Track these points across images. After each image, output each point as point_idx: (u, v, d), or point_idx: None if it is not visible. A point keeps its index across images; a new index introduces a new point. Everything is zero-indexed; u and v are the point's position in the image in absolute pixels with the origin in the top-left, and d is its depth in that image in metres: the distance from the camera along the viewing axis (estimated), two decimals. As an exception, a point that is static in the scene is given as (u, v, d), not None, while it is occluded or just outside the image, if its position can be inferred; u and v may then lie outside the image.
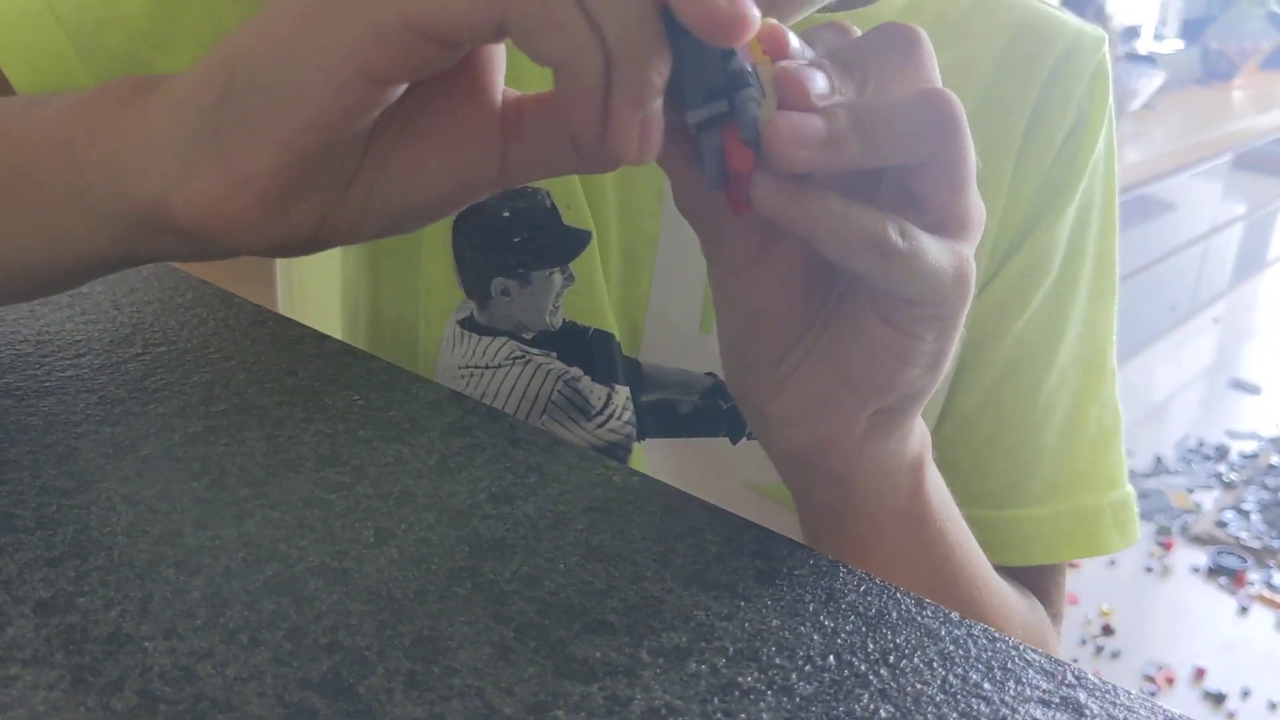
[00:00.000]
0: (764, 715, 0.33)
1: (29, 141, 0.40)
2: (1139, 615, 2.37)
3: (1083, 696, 0.35)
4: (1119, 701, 0.35)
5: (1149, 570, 2.52)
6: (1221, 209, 3.58)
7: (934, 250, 0.37)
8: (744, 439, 0.65)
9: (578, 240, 0.62)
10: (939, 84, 0.39)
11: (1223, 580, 2.49)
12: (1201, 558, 2.57)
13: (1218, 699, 2.15)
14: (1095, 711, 0.34)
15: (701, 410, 0.65)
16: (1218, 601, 2.43)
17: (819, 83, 0.36)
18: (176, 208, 0.36)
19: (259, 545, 0.39)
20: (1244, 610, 2.40)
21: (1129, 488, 0.68)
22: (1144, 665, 2.22)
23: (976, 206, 0.39)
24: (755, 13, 0.33)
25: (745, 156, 0.36)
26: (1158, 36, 3.55)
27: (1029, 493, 0.65)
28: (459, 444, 0.46)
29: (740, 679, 0.34)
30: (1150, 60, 3.11)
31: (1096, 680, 0.35)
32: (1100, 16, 2.90)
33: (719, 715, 0.33)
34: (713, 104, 0.35)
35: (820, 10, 0.49)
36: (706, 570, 0.39)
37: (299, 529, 0.40)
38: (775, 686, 0.34)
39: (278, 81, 0.34)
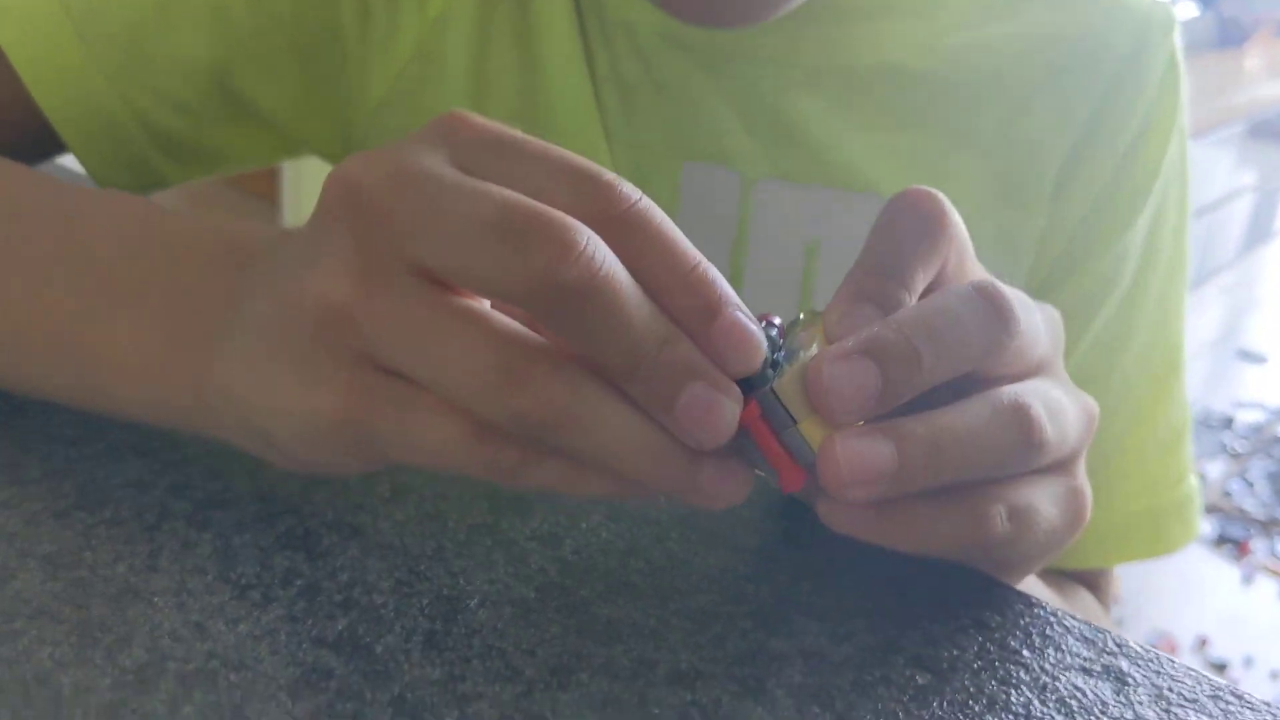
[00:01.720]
0: (795, 680, 0.32)
1: (106, 381, 0.38)
2: (1143, 583, 2.36)
3: (1125, 664, 0.34)
4: (1163, 670, 0.33)
5: (1153, 539, 2.51)
6: (1232, 178, 3.55)
7: (1046, 511, 0.34)
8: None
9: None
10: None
11: (1227, 550, 2.48)
12: (1206, 527, 2.56)
13: (1220, 668, 2.15)
14: (1138, 680, 0.33)
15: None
16: (1222, 571, 2.43)
17: (869, 378, 0.30)
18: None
19: (271, 499, 0.37)
20: (1248, 580, 2.40)
21: (1193, 479, 0.65)
22: (1148, 633, 2.22)
23: (1074, 437, 0.35)
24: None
25: (751, 412, 0.31)
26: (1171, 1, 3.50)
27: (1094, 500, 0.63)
28: (476, 399, 0.45)
29: (770, 643, 0.33)
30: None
31: (1139, 647, 0.34)
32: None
33: (749, 680, 0.32)
34: None
35: None
36: (733, 531, 0.38)
37: (313, 483, 0.38)
38: (806, 651, 0.33)
39: (309, 455, 0.34)
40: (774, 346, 0.32)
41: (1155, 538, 0.64)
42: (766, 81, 0.57)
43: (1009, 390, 0.33)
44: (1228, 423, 2.99)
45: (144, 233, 0.39)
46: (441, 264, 0.30)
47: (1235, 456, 2.84)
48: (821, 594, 0.35)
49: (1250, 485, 2.70)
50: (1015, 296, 0.33)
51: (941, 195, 0.35)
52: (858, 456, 0.30)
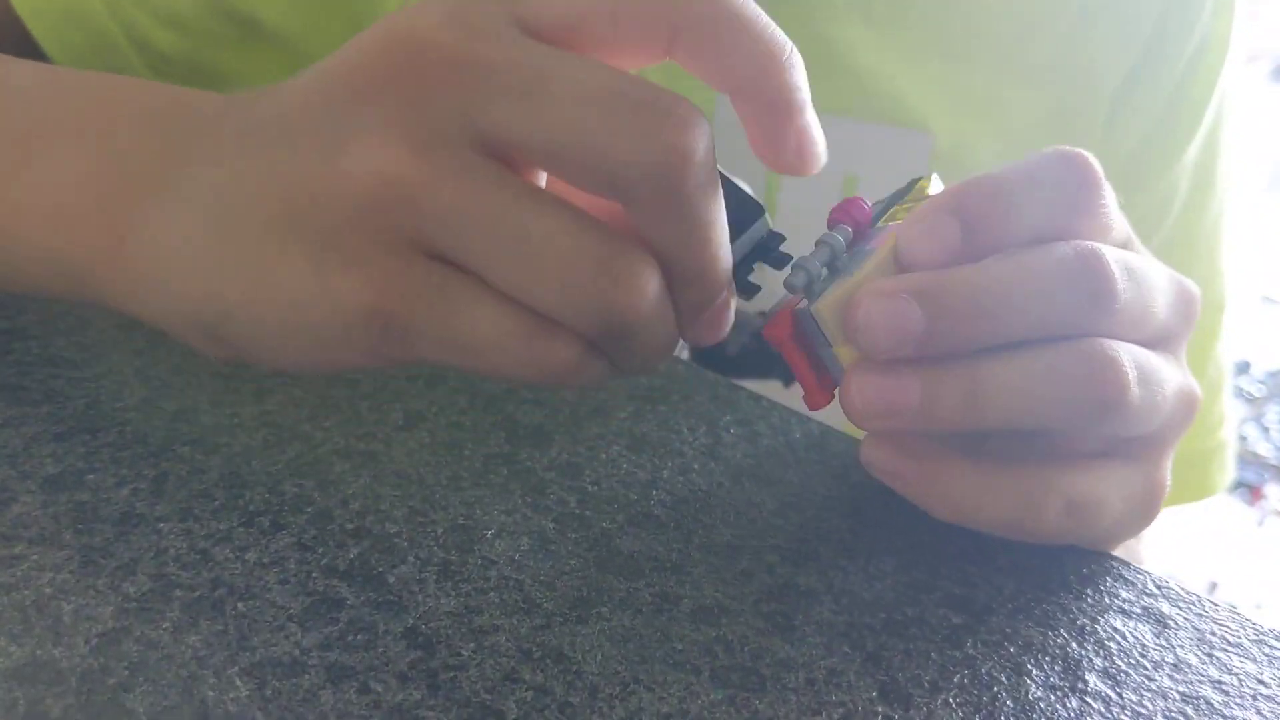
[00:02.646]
0: (825, 618, 0.31)
1: (11, 243, 0.33)
2: (1154, 527, 2.36)
3: (1166, 607, 0.32)
4: (1205, 613, 0.32)
5: (1166, 482, 2.50)
6: (1258, 121, 3.49)
7: (1113, 506, 0.32)
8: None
9: (745, 212, 0.58)
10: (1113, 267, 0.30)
11: (1241, 493, 2.47)
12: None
13: (1230, 612, 2.15)
14: (1180, 623, 0.32)
15: (752, 352, 0.62)
16: (1235, 515, 2.42)
17: (911, 318, 0.29)
18: (198, 352, 0.32)
19: (280, 425, 0.36)
20: (1261, 524, 2.39)
21: (1231, 422, 0.64)
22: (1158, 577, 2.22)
23: (1170, 420, 0.32)
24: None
25: (784, 330, 0.31)
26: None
27: None
28: (492, 325, 0.43)
29: (798, 579, 0.32)
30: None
31: (1180, 590, 0.33)
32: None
33: (776, 616, 0.30)
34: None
35: None
36: (759, 465, 0.37)
37: (322, 409, 0.37)
38: (835, 589, 0.32)
39: (277, 349, 0.29)
40: (834, 254, 0.31)
41: (1202, 481, 0.62)
42: (814, 8, 0.54)
43: (1089, 341, 0.30)
44: (1245, 367, 2.97)
45: (62, 82, 0.35)
46: (536, 137, 0.26)
47: (1251, 401, 2.82)
48: (852, 530, 0.34)
49: (1266, 430, 2.69)
50: (1125, 265, 0.30)
51: (1098, 168, 0.32)
52: (876, 389, 0.29)
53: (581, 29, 0.28)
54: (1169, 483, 0.34)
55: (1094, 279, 0.30)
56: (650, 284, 0.27)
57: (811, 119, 0.29)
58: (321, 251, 0.27)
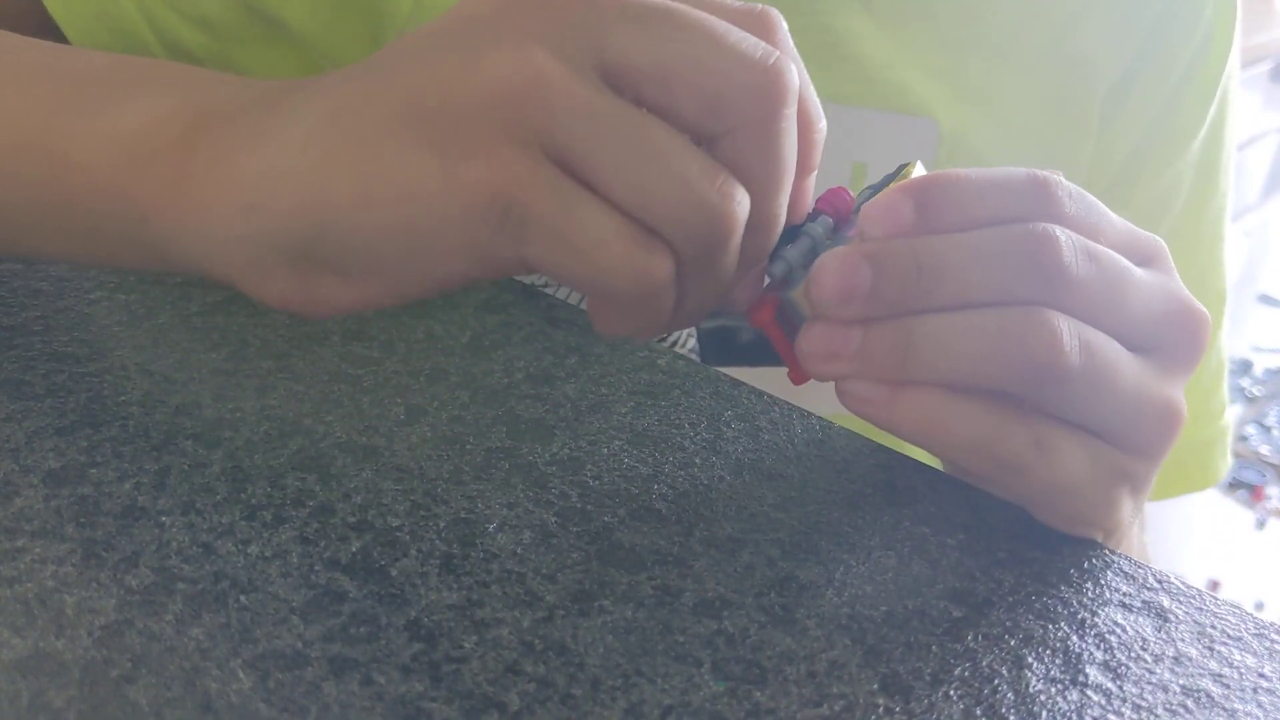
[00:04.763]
0: (826, 611, 0.31)
1: (78, 177, 0.33)
2: (1155, 526, 2.35)
3: (1166, 601, 0.32)
4: (1206, 607, 0.32)
5: (1167, 482, 2.50)
6: (1257, 120, 3.49)
7: (1077, 468, 0.32)
8: None
9: None
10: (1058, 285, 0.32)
11: (1241, 494, 2.47)
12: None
13: (1231, 611, 2.15)
14: (1180, 617, 0.32)
15: (764, 339, 0.62)
16: (1235, 515, 2.42)
17: (860, 276, 0.31)
18: (255, 294, 0.32)
19: (282, 419, 0.36)
20: (1261, 524, 2.39)
21: (1229, 412, 0.64)
22: (1158, 572, 2.22)
23: (1139, 418, 0.33)
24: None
25: (768, 314, 0.34)
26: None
27: None
28: (493, 321, 0.43)
29: (799, 573, 0.32)
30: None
31: (1181, 584, 0.33)
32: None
33: (778, 610, 0.30)
34: None
35: None
36: (760, 458, 0.37)
37: (324, 403, 0.37)
38: (836, 582, 0.32)
39: (375, 258, 0.30)
40: (814, 243, 0.34)
41: (1205, 470, 0.62)
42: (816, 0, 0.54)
43: (1031, 306, 0.31)
44: (1246, 367, 2.97)
45: (133, 59, 0.36)
46: (652, 58, 0.29)
47: (1252, 401, 2.82)
48: (853, 524, 0.34)
49: (1267, 430, 2.69)
50: (1086, 249, 0.32)
51: (1062, 189, 0.33)
52: (822, 335, 0.32)
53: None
54: (1142, 487, 0.35)
55: (1040, 250, 0.31)
56: (744, 205, 0.30)
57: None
58: (446, 142, 0.29)
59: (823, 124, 0.33)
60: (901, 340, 0.31)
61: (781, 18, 0.32)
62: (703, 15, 0.30)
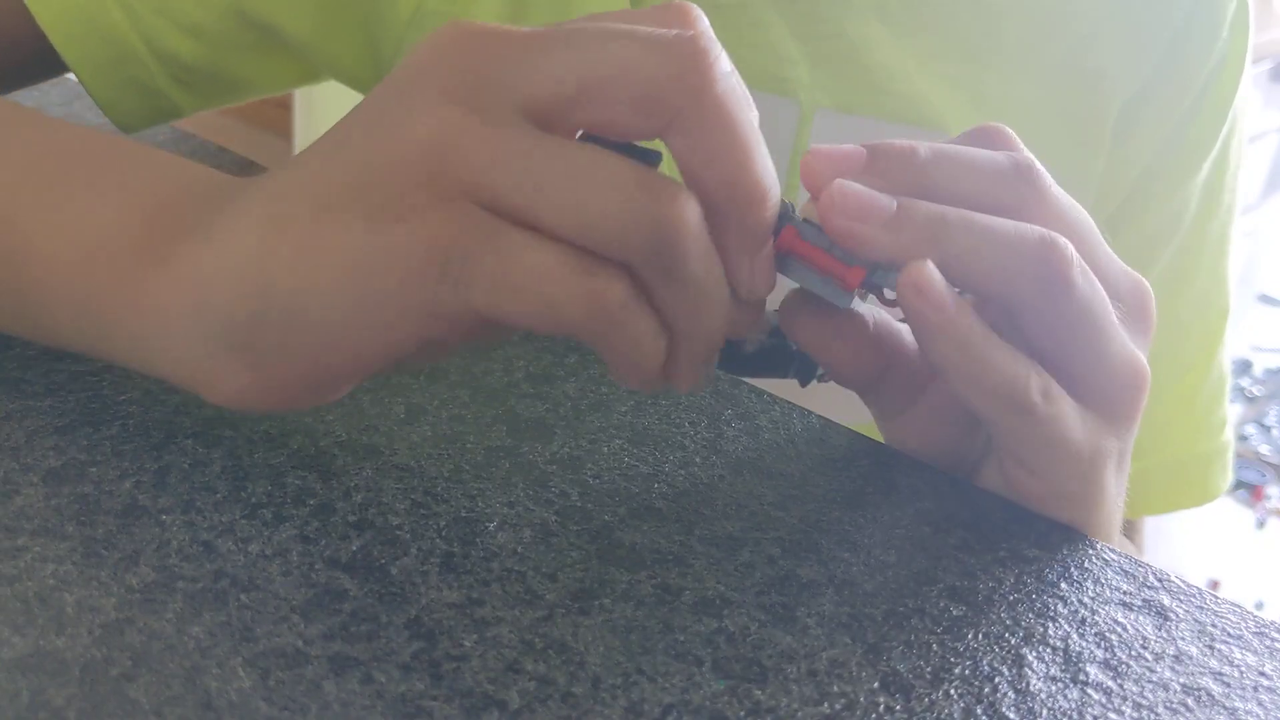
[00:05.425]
0: (826, 610, 0.31)
1: (37, 270, 0.34)
2: (1155, 526, 2.35)
3: (1167, 599, 0.32)
4: (1206, 606, 0.32)
5: (1167, 482, 2.50)
6: (1257, 121, 3.49)
7: (1074, 425, 0.33)
8: (814, 382, 0.62)
9: (646, 161, 0.58)
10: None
11: (1241, 494, 2.47)
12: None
13: (1231, 611, 2.15)
14: (1180, 615, 0.32)
15: (769, 350, 0.61)
16: (1235, 514, 2.42)
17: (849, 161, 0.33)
18: (212, 395, 0.32)
19: (283, 418, 0.36)
20: (1261, 524, 2.39)
21: (1230, 425, 0.64)
22: (1159, 570, 2.22)
23: (1115, 371, 0.34)
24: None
25: (786, 236, 0.33)
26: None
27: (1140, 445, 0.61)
28: (493, 320, 0.43)
29: (799, 571, 0.32)
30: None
31: (1181, 583, 0.33)
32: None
33: (778, 608, 0.30)
34: None
35: None
36: (760, 457, 0.37)
37: (325, 405, 0.37)
38: (837, 580, 0.32)
39: (322, 327, 0.30)
40: (788, 204, 0.33)
41: (1204, 486, 0.62)
42: (830, 7, 0.54)
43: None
44: (1246, 367, 2.97)
45: (104, 144, 0.36)
46: (572, 84, 0.29)
47: (1252, 400, 2.82)
48: (853, 523, 0.34)
49: (1267, 430, 2.69)
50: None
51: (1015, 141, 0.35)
52: (857, 192, 0.32)
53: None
54: (1125, 475, 0.36)
55: (1020, 164, 0.34)
56: (688, 204, 0.29)
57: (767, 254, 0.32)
58: (376, 212, 0.29)
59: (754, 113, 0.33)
60: (935, 217, 0.32)
61: (698, 9, 0.31)
62: (606, 25, 0.30)
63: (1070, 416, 0.33)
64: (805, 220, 0.33)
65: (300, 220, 0.30)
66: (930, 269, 0.31)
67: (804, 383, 0.62)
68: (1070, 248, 0.32)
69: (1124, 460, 0.36)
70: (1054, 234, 0.32)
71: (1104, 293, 0.33)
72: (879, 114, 0.55)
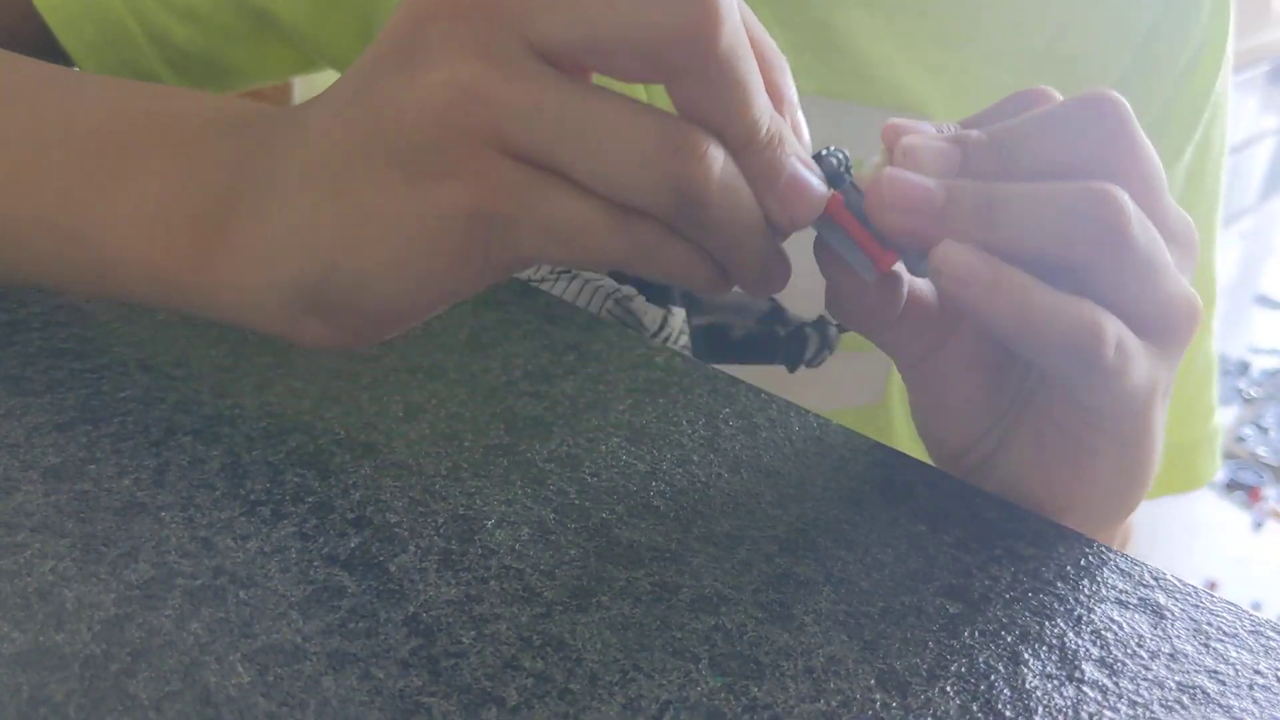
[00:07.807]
0: (823, 607, 0.31)
1: (95, 254, 0.35)
2: (1152, 527, 2.36)
3: (1162, 598, 0.33)
4: (1202, 604, 0.32)
5: (1164, 483, 2.50)
6: (1255, 122, 3.49)
7: (1142, 368, 0.33)
8: (801, 367, 0.62)
9: None
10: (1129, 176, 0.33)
11: (1238, 495, 2.48)
12: (1218, 472, 2.55)
13: (1228, 612, 2.15)
14: (1176, 614, 0.32)
15: (756, 336, 0.61)
16: (1232, 516, 2.42)
17: (940, 159, 0.33)
18: (294, 340, 0.34)
19: (281, 416, 0.36)
20: (1259, 525, 2.40)
21: (1218, 414, 0.64)
22: (1154, 569, 2.22)
23: (1174, 308, 0.34)
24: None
25: (836, 201, 0.33)
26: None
27: None
28: (491, 319, 0.43)
29: (796, 569, 0.32)
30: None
31: (1177, 581, 0.33)
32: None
33: (775, 606, 0.31)
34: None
35: None
36: (758, 456, 0.37)
37: (324, 400, 0.37)
38: (833, 578, 0.32)
39: (384, 292, 0.32)
40: (844, 162, 0.33)
41: (1190, 471, 0.62)
42: None
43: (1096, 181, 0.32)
44: (1243, 368, 2.97)
45: (139, 105, 0.36)
46: (579, 33, 0.29)
47: (1249, 402, 2.83)
48: (850, 521, 0.34)
49: (1264, 431, 2.69)
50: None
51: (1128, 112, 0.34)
52: (905, 184, 0.32)
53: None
54: (1165, 407, 0.36)
55: (1106, 115, 0.33)
56: (711, 150, 0.30)
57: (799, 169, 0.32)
58: (414, 171, 0.30)
59: (782, 59, 0.33)
60: (984, 199, 0.32)
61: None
62: None
63: (1139, 362, 0.33)
64: (853, 186, 0.33)
65: (341, 182, 0.31)
66: (954, 251, 0.31)
67: (791, 368, 0.62)
68: (1127, 203, 0.32)
69: (1169, 389, 0.36)
70: (1108, 188, 0.32)
71: (1161, 239, 0.33)
72: (862, 100, 0.55)
